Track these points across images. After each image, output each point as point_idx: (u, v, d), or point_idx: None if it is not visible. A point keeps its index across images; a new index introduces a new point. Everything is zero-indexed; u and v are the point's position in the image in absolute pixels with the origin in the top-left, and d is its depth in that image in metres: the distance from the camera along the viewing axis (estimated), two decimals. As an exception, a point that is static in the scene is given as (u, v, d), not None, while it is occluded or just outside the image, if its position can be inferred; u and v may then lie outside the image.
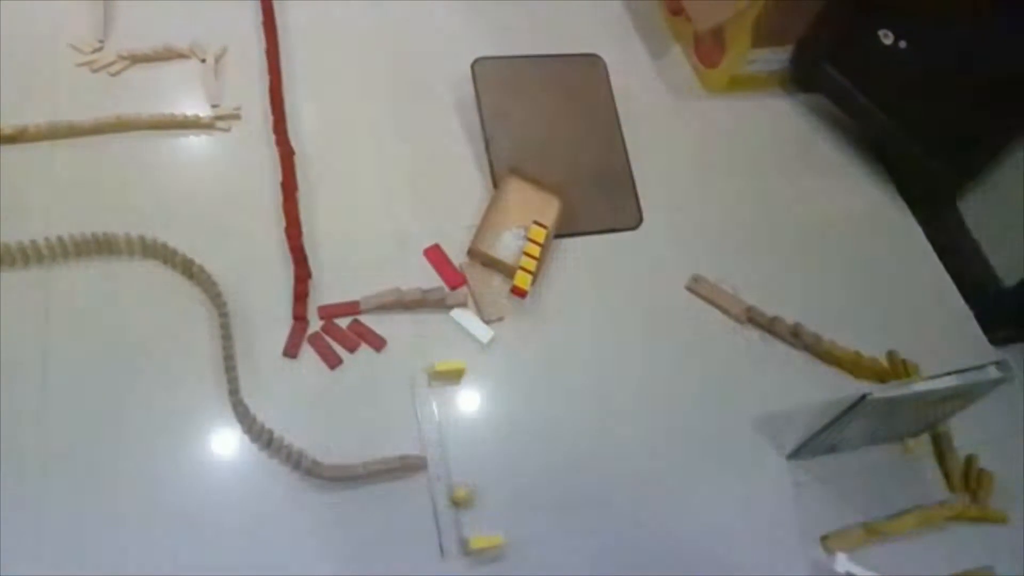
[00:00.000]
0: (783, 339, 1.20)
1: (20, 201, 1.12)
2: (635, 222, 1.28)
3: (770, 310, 1.21)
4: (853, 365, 1.19)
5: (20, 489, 0.92)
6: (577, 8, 1.53)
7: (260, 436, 0.98)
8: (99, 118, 1.19)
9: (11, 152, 1.15)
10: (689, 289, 1.22)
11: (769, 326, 1.20)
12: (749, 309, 1.21)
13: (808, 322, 1.20)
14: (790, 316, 1.20)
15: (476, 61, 1.33)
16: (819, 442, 1.05)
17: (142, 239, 1.08)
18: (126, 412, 0.99)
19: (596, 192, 1.28)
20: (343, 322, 1.10)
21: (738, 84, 1.45)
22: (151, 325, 1.06)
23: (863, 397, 0.94)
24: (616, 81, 1.38)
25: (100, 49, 1.28)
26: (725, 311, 1.21)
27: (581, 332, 1.16)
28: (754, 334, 1.21)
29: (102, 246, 1.08)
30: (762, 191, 1.37)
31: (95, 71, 1.26)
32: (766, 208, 1.35)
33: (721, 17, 1.36)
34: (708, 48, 1.44)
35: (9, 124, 1.15)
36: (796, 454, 1.09)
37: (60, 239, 1.06)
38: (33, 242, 1.05)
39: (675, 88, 1.46)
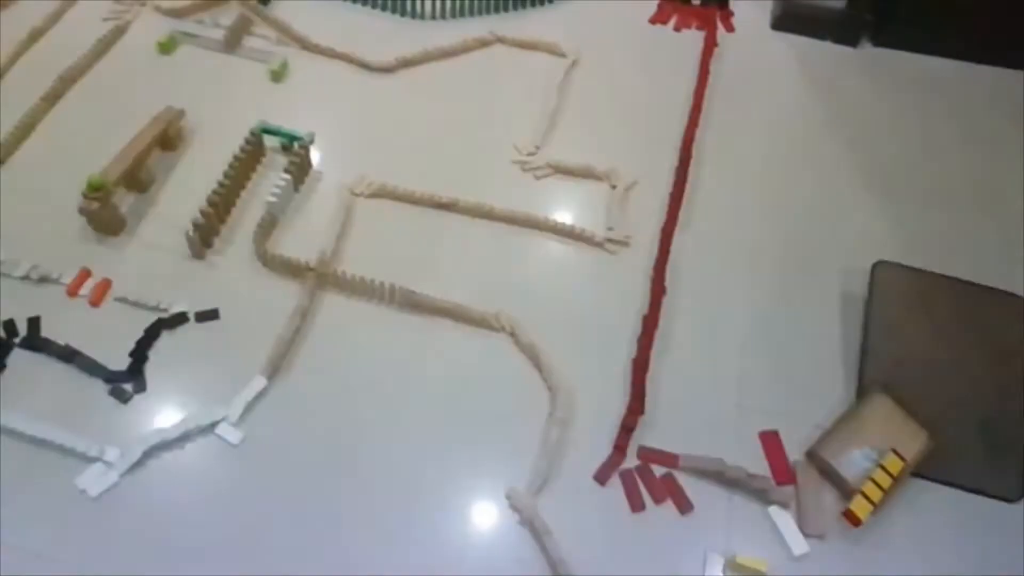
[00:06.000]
0: None
1: (435, 258, 1.30)
2: (1016, 494, 1.08)
3: None
4: None
5: (323, 491, 1.04)
6: (1007, 239, 1.38)
7: (547, 551, 0.99)
8: (514, 211, 1.35)
9: (441, 217, 1.35)
10: (1066, 603, 1.00)
11: None
12: None
13: None
14: None
15: (879, 263, 1.26)
16: None
17: (512, 326, 1.18)
18: (436, 462, 1.08)
19: (977, 444, 1.11)
20: (658, 470, 1.08)
21: None
22: (489, 399, 1.14)
23: None
24: (1037, 332, 1.21)
25: (535, 153, 1.46)
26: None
27: (911, 593, 1.00)
28: None
29: (477, 320, 1.20)
30: None
31: (524, 171, 1.44)
32: None
33: None
34: None
35: (447, 195, 1.35)
36: None
37: (457, 304, 1.21)
38: (433, 298, 1.21)
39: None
